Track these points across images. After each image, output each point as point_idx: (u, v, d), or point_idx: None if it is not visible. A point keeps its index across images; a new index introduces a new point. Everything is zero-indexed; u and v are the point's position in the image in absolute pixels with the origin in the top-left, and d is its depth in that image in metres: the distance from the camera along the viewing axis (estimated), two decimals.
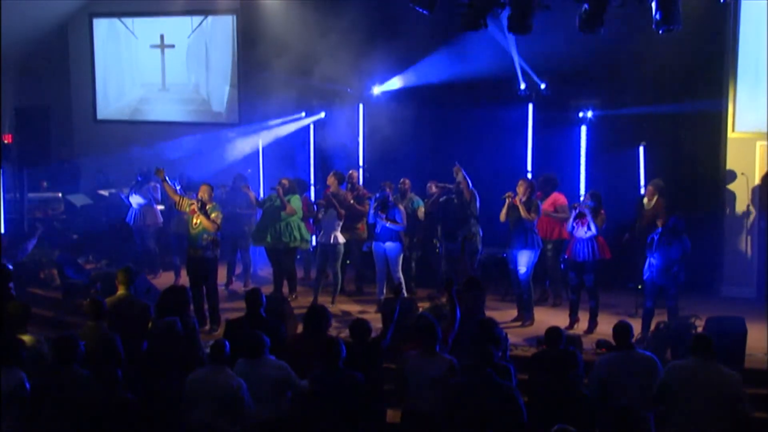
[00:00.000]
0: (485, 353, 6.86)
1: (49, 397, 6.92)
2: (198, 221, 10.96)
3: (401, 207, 11.88)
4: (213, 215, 10.96)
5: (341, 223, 12.14)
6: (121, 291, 8.79)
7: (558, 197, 11.93)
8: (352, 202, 12.52)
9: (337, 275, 12.21)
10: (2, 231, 14.49)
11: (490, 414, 6.65)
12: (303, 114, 15.29)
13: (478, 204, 11.64)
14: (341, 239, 12.15)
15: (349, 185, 12.83)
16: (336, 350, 7.17)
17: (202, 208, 10.92)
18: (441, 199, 12.04)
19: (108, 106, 18.07)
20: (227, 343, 7.23)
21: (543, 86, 13.15)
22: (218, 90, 17.27)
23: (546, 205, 11.76)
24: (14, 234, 14.60)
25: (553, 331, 7.88)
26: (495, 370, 6.90)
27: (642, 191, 12.39)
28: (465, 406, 6.74)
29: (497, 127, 13.56)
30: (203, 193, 11.08)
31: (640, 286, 11.16)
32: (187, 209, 11.11)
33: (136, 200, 13.86)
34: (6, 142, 15.92)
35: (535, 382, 7.58)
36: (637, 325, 9.35)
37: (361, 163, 14.84)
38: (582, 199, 11.50)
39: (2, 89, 15.26)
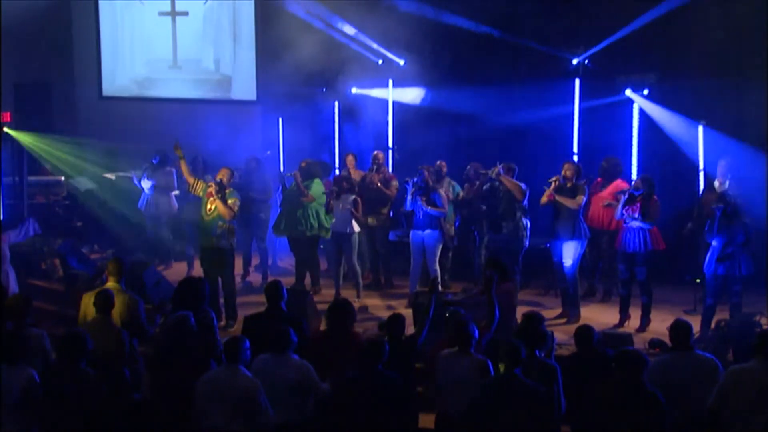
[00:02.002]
0: (512, 350, 6.83)
1: (52, 397, 6.97)
2: (212, 207, 10.92)
3: (441, 191, 11.82)
4: (230, 201, 10.92)
5: (356, 209, 12.05)
6: (110, 283, 8.82)
7: (621, 185, 11.78)
8: (378, 185, 12.49)
9: (354, 267, 12.18)
10: (0, 217, 14.50)
11: (517, 418, 6.63)
12: (324, 89, 15.28)
13: (527, 189, 11.46)
14: (356, 228, 12.08)
15: (374, 167, 12.80)
16: (378, 351, 7.11)
17: (221, 192, 10.87)
18: (485, 187, 11.92)
19: (114, 82, 18.16)
20: (245, 340, 7.22)
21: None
22: (234, 64, 17.29)
23: (606, 193, 11.69)
24: (15, 220, 14.64)
25: (582, 331, 7.83)
26: (540, 370, 6.88)
27: (700, 174, 12.25)
28: (491, 409, 6.72)
29: (540, 104, 13.48)
30: (222, 175, 11.02)
31: (698, 280, 11.06)
32: (202, 193, 11.08)
33: (149, 185, 13.86)
34: (4, 120, 15.97)
35: (571, 387, 7.55)
36: (695, 323, 9.27)
37: (390, 144, 14.81)
38: (633, 184, 11.37)
39: (1, 63, 15.33)
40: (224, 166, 11.38)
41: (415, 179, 11.70)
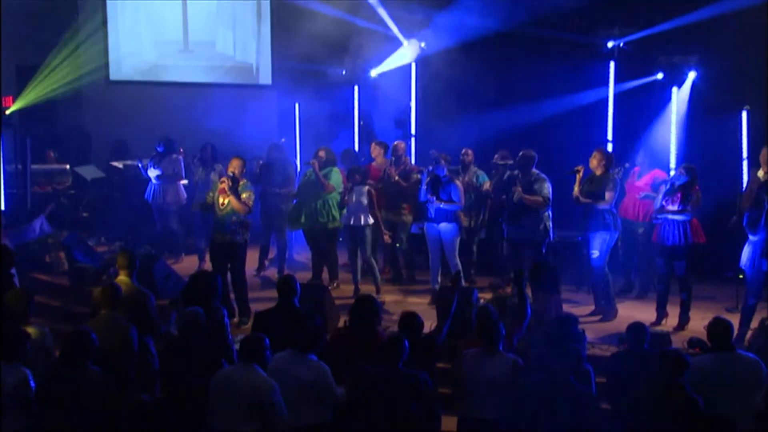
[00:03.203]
0: (571, 353, 6.80)
1: (56, 397, 6.98)
2: (226, 201, 10.90)
3: (458, 182, 11.76)
4: (244, 196, 10.88)
5: (369, 202, 11.98)
6: (121, 277, 8.86)
7: (659, 174, 11.74)
8: (397, 178, 12.46)
9: (370, 262, 12.15)
10: (2, 207, 14.59)
11: (564, 424, 6.62)
12: (344, 72, 15.27)
13: (549, 186, 11.35)
14: (370, 220, 12.01)
15: (393, 158, 12.77)
16: (398, 349, 7.09)
17: (234, 187, 10.84)
18: (504, 177, 11.90)
19: (122, 66, 18.21)
20: (266, 338, 7.22)
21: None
22: (248, 46, 17.32)
23: (642, 183, 11.64)
24: (17, 210, 14.73)
25: (636, 328, 7.80)
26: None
27: (744, 163, 12.17)
28: (537, 412, 6.72)
29: (573, 88, 13.43)
30: (234, 167, 10.97)
31: (741, 276, 11.00)
32: (212, 194, 11.07)
33: (155, 174, 13.89)
34: (6, 105, 16.02)
35: (616, 387, 7.53)
36: (736, 322, 9.22)
37: (412, 131, 14.80)
38: (673, 173, 11.32)
39: (1, 44, 15.37)
40: (236, 155, 11.32)
41: (431, 168, 11.69)
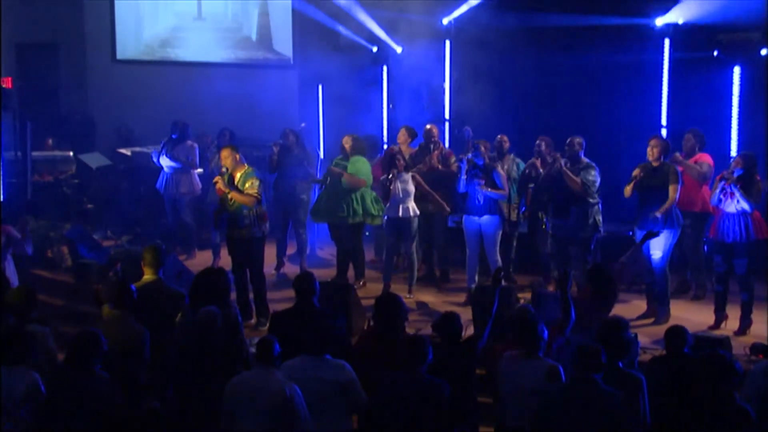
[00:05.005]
0: (592, 352, 6.84)
1: (61, 403, 7.02)
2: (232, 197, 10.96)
3: (501, 170, 11.75)
4: (247, 185, 10.86)
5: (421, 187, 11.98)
6: (147, 275, 8.88)
7: (703, 159, 11.71)
8: (438, 165, 12.44)
9: (412, 257, 12.14)
10: (1, 198, 14.63)
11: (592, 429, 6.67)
12: (376, 48, 15.29)
13: (597, 173, 11.31)
14: (416, 211, 12.01)
15: (430, 145, 12.73)
16: (419, 351, 7.11)
17: (231, 184, 10.87)
18: (553, 171, 11.82)
19: (129, 43, 18.34)
20: (276, 340, 7.27)
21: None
22: (267, 22, 17.38)
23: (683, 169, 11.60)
24: (17, 202, 14.76)
25: (675, 331, 7.79)
26: (622, 382, 6.89)
27: None
28: (560, 420, 6.75)
29: (622, 68, 13.39)
30: (225, 159, 10.98)
31: None
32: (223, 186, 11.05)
33: (167, 163, 13.93)
34: (4, 86, 16.07)
35: (655, 394, 7.54)
36: None
37: (446, 116, 14.82)
38: (731, 164, 11.24)
39: (1, 22, 15.46)
40: (227, 145, 11.39)
41: (470, 156, 11.66)
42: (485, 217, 11.58)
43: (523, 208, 12.45)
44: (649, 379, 7.34)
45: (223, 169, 10.99)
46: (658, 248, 10.86)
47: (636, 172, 10.88)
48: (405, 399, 7.01)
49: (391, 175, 11.78)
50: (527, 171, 12.27)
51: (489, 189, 11.44)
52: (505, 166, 12.17)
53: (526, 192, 12.40)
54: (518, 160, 12.53)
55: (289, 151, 12.98)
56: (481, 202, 11.52)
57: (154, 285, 8.80)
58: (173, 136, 13.97)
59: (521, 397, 7.24)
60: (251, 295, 11.19)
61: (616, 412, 6.70)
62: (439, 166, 12.44)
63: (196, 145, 13.99)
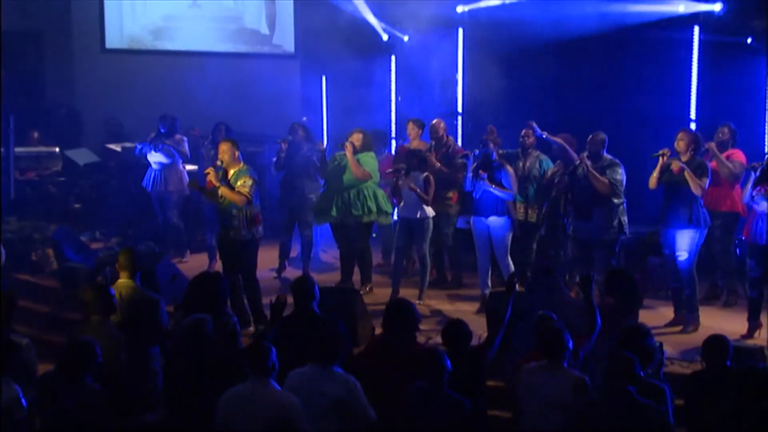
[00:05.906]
0: (625, 361, 6.78)
1: (49, 418, 7.03)
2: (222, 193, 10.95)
3: (509, 169, 11.63)
4: (239, 183, 10.83)
5: (427, 190, 11.86)
6: (122, 279, 8.91)
7: (735, 155, 11.65)
8: (438, 165, 12.38)
9: (425, 260, 12.09)
10: None
11: None
12: (386, 37, 15.27)
13: (623, 171, 11.24)
14: (430, 212, 11.98)
15: (434, 141, 12.70)
16: (439, 366, 7.10)
17: (224, 178, 10.85)
18: (578, 171, 11.73)
19: (119, 32, 18.31)
20: (272, 348, 7.19)
21: None
22: (268, 9, 17.36)
23: (714, 164, 11.50)
24: None
25: (715, 342, 7.73)
26: (644, 390, 6.84)
27: None
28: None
29: (648, 58, 13.34)
30: (224, 153, 10.95)
31: None
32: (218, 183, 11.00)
33: (155, 158, 13.90)
34: None
35: (694, 411, 7.47)
36: None
37: (459, 109, 14.77)
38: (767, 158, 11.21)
39: None
40: (226, 138, 11.41)
41: (477, 152, 11.61)
42: (492, 219, 11.55)
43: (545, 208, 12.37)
44: (688, 395, 7.30)
45: (218, 162, 10.94)
46: (684, 249, 10.82)
47: (661, 152, 10.83)
48: (426, 415, 7.00)
49: (403, 174, 11.74)
50: (554, 179, 12.18)
51: (493, 186, 11.39)
52: (527, 164, 12.04)
53: (549, 193, 12.30)
54: (543, 156, 12.36)
55: (298, 147, 12.95)
56: (483, 200, 11.50)
57: (126, 289, 8.80)
58: (162, 131, 13.94)
59: (544, 412, 7.22)
60: (245, 301, 11.11)
61: (656, 426, 6.67)
62: (438, 165, 12.35)
63: (185, 138, 13.99)
